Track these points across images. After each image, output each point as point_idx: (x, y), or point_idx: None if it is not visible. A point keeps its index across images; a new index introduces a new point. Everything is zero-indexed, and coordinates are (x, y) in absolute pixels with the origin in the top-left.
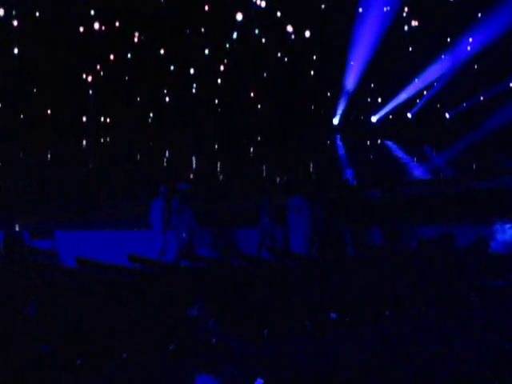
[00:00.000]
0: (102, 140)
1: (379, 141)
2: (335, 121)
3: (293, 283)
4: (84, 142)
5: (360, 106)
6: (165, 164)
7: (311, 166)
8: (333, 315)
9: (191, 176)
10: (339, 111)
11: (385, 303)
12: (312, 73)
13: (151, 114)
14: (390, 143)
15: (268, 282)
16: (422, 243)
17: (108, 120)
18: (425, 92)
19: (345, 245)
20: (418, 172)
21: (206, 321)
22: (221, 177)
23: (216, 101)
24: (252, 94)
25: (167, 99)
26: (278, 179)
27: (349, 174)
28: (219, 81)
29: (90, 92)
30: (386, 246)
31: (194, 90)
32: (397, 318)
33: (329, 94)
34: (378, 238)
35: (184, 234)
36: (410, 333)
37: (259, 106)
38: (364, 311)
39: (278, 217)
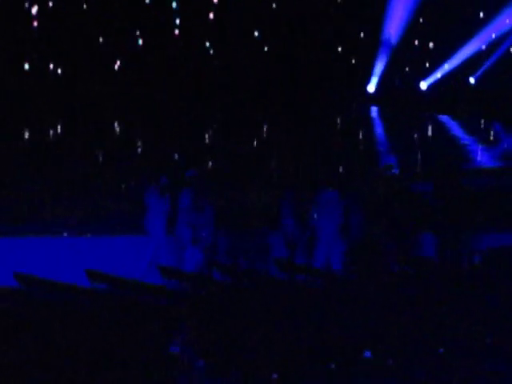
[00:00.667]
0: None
1: (431, 115)
2: (370, 87)
3: (314, 309)
4: None
5: (405, 67)
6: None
7: (338, 149)
8: (367, 354)
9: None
10: (376, 74)
11: (438, 338)
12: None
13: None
14: (445, 118)
15: (280, 308)
16: (490, 257)
17: None
18: (495, 47)
19: (386, 258)
20: (484, 158)
21: (191, 361)
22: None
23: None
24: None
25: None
26: (297, 169)
27: (390, 159)
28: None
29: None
30: (441, 261)
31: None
32: (456, 358)
33: (360, 51)
34: (430, 249)
35: (205, 235)
36: (473, 379)
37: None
38: (410, 348)
39: (303, 218)
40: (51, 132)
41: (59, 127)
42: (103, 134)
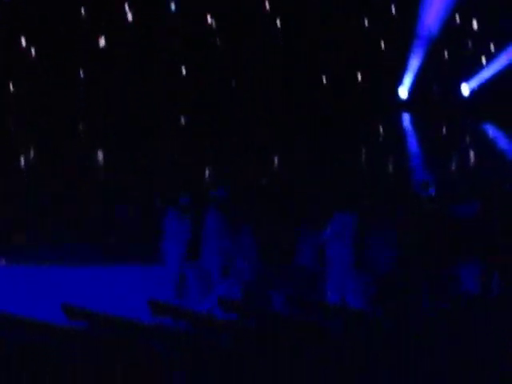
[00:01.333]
0: None
1: (475, 124)
2: (402, 92)
3: (335, 354)
4: None
5: (442, 69)
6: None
7: (362, 163)
8: None
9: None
10: (408, 78)
11: None
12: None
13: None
14: (491, 128)
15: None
16: None
17: None
18: None
19: (419, 294)
20: None
21: None
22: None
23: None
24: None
25: None
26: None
27: (427, 177)
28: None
29: None
30: (485, 296)
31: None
32: None
33: (391, 52)
34: (471, 283)
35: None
36: None
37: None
38: None
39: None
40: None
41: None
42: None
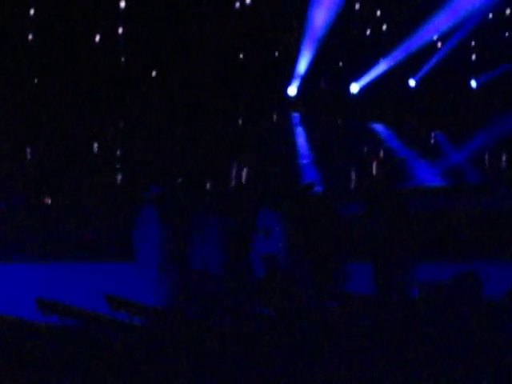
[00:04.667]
0: None
1: (363, 123)
2: (291, 90)
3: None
4: None
5: (331, 67)
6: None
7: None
8: None
9: None
10: (298, 74)
11: None
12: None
13: None
14: (380, 127)
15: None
16: (429, 290)
17: None
18: (439, 45)
19: (306, 291)
20: (424, 175)
21: None
22: None
23: None
24: None
25: None
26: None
27: (312, 176)
28: None
29: None
30: (371, 295)
31: None
32: None
33: (280, 46)
34: (358, 282)
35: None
36: None
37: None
38: None
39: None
40: None
41: None
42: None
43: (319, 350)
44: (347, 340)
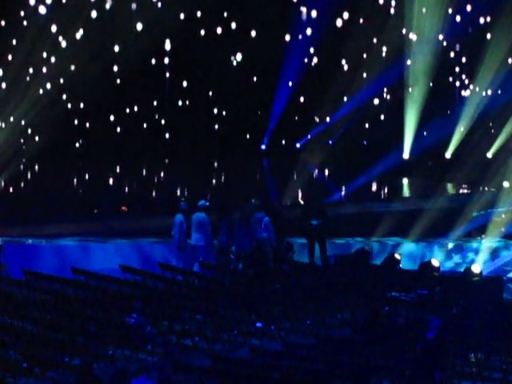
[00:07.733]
0: None
1: (304, 164)
2: (263, 145)
3: (221, 294)
4: None
5: (287, 130)
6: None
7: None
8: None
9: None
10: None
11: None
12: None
13: None
14: (312, 167)
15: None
16: (340, 259)
17: None
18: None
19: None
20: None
21: (143, 328)
22: None
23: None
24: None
25: None
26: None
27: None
28: None
29: None
30: (309, 263)
31: None
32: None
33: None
34: (303, 255)
35: None
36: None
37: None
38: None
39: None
40: None
41: None
42: None
43: (279, 294)
44: (295, 289)
